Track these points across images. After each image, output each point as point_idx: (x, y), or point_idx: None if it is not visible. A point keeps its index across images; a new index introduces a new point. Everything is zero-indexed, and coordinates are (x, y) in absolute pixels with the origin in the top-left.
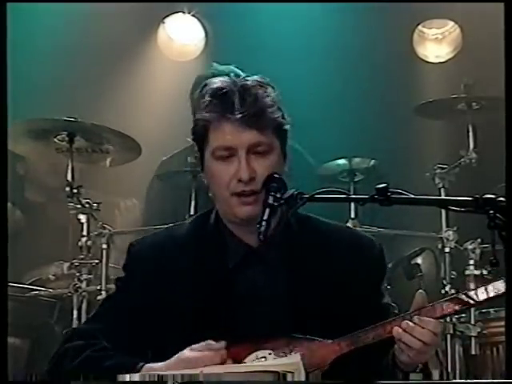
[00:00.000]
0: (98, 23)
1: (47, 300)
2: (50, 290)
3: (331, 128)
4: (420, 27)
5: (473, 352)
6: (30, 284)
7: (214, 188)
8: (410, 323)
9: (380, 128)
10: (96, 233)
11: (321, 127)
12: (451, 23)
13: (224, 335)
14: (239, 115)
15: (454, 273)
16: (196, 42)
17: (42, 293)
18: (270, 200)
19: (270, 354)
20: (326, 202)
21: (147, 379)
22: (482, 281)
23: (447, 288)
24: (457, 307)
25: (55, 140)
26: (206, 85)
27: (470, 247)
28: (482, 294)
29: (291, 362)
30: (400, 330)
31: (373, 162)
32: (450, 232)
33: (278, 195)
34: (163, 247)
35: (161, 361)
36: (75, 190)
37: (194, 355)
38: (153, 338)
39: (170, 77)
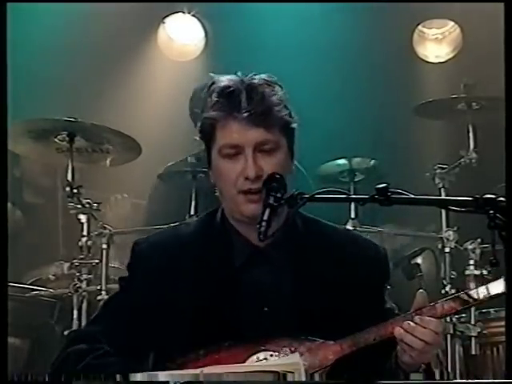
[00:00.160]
0: (98, 23)
1: (47, 300)
2: (50, 290)
3: (331, 128)
4: (420, 27)
5: (473, 352)
6: (30, 284)
7: (221, 186)
8: (412, 323)
9: (380, 128)
10: (96, 233)
11: (321, 127)
12: (451, 23)
13: (228, 334)
14: (246, 113)
15: (453, 273)
16: (196, 42)
17: (42, 293)
18: (270, 200)
19: (271, 355)
20: (326, 201)
21: (147, 379)
22: (482, 281)
23: (447, 288)
24: (458, 306)
25: (55, 140)
26: (213, 83)
27: (470, 247)
28: (482, 293)
29: (291, 362)
30: (401, 331)
31: (373, 161)
32: (450, 232)
33: (279, 195)
34: (168, 246)
35: (164, 362)
36: (75, 190)
37: None
38: (157, 339)
39: (170, 77)
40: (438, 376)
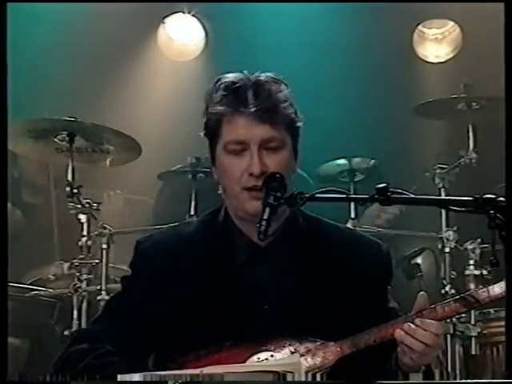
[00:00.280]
0: (98, 23)
1: (47, 300)
2: (50, 290)
3: (331, 128)
4: (420, 27)
5: (473, 352)
6: (30, 284)
7: (225, 182)
8: (412, 325)
9: (380, 128)
10: (96, 233)
11: (321, 127)
12: (451, 23)
13: (229, 334)
14: (253, 109)
15: (453, 273)
16: (196, 42)
17: (42, 293)
18: (270, 199)
19: (271, 355)
20: (326, 201)
21: (147, 379)
22: (482, 281)
23: (447, 288)
24: (459, 309)
25: (55, 140)
26: (219, 80)
27: (470, 247)
28: (483, 295)
29: (291, 362)
30: (402, 333)
31: (373, 161)
32: (450, 232)
33: (279, 194)
34: (171, 245)
35: (165, 362)
36: (75, 190)
37: None
38: (159, 338)
39: (170, 77)
40: (437, 376)
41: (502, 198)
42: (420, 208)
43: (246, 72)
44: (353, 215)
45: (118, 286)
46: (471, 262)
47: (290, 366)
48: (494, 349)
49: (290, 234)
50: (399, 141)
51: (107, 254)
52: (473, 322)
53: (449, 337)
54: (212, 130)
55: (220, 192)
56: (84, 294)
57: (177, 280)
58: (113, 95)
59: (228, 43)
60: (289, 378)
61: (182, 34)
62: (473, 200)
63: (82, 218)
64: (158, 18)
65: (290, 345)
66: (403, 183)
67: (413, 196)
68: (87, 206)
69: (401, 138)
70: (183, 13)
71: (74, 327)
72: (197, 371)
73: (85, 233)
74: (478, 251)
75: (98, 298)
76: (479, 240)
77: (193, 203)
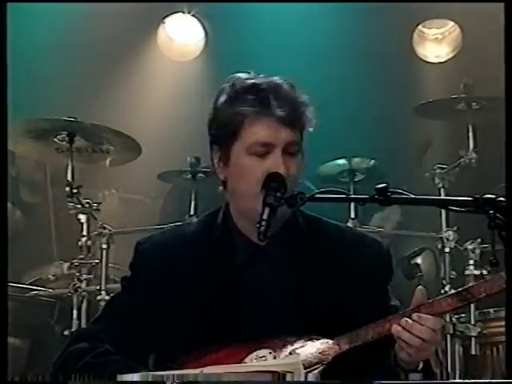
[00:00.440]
0: (98, 23)
1: (47, 300)
2: (50, 290)
3: (331, 128)
4: (420, 27)
5: (473, 352)
6: (29, 284)
7: (241, 184)
8: (409, 321)
9: (380, 128)
10: (96, 233)
11: (321, 127)
12: (451, 23)
13: (229, 334)
14: (281, 112)
15: (453, 273)
16: (196, 42)
17: (42, 293)
18: (270, 199)
19: (270, 352)
20: (326, 201)
21: (147, 379)
22: None
23: (447, 288)
24: (456, 304)
25: (55, 140)
26: (236, 80)
27: (470, 247)
28: (479, 290)
29: (291, 362)
30: (399, 328)
31: (373, 162)
32: (450, 232)
33: (278, 194)
34: (170, 246)
35: (165, 361)
36: (75, 190)
37: None
38: (158, 338)
39: (170, 77)
40: (437, 376)
41: (501, 198)
42: (420, 208)
43: (253, 73)
44: (353, 215)
45: (117, 286)
46: (471, 261)
47: (289, 366)
48: (494, 349)
49: (290, 233)
50: (399, 141)
51: (107, 253)
52: (473, 321)
53: (449, 337)
54: (230, 131)
55: (220, 192)
56: (84, 294)
57: (176, 280)
58: (113, 95)
59: (228, 43)
60: (289, 377)
61: (182, 34)
62: (473, 200)
63: (82, 217)
64: (157, 17)
65: (288, 342)
66: (403, 183)
67: (413, 196)
68: (87, 205)
69: (401, 138)
70: (183, 13)
71: (74, 327)
72: (197, 371)
73: (84, 233)
74: (477, 251)
75: (98, 297)
76: (479, 240)
77: (192, 203)
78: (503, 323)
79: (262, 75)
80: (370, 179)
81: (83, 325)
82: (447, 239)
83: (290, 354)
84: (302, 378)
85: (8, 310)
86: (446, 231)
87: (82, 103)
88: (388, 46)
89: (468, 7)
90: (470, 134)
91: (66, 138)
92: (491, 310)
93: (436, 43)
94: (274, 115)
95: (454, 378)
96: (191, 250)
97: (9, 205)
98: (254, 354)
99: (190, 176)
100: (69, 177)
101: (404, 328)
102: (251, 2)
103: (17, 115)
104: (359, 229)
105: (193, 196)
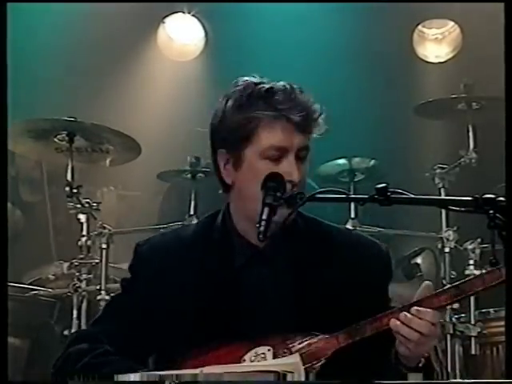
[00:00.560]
0: (98, 23)
1: (47, 300)
2: (50, 290)
3: (331, 128)
4: (420, 27)
5: (473, 352)
6: (29, 284)
7: (252, 187)
8: (408, 315)
9: (380, 128)
10: (96, 232)
11: None
12: (451, 23)
13: (229, 336)
14: (297, 118)
15: (453, 273)
16: (196, 42)
17: (42, 293)
18: (270, 199)
19: (269, 350)
20: (326, 201)
21: (147, 379)
22: None
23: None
24: (454, 297)
25: (55, 140)
26: (246, 85)
27: (470, 247)
28: (478, 283)
29: (291, 361)
30: (397, 322)
31: (373, 162)
32: (450, 232)
33: (278, 195)
34: (169, 248)
35: (165, 363)
36: (75, 190)
37: None
38: (158, 340)
39: (170, 77)
40: (437, 375)
41: (501, 198)
42: (420, 208)
43: (258, 77)
44: (353, 215)
45: (117, 286)
46: (471, 261)
47: (290, 366)
48: (494, 349)
49: (289, 234)
50: (399, 141)
51: (107, 253)
52: (473, 321)
53: (449, 337)
54: (242, 135)
55: (220, 192)
56: (84, 293)
57: (176, 282)
58: (112, 95)
59: (228, 43)
60: (289, 377)
61: (182, 33)
62: (473, 200)
63: (82, 217)
64: (157, 17)
65: (286, 339)
66: (403, 183)
67: (413, 196)
68: (87, 205)
69: (401, 138)
70: (183, 13)
71: (74, 327)
72: (197, 371)
73: (84, 232)
74: (477, 251)
75: (98, 297)
76: (479, 240)
77: (192, 203)
78: (503, 323)
79: (265, 79)
80: (370, 179)
81: (83, 325)
82: (447, 239)
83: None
84: (303, 378)
85: (8, 310)
86: (446, 231)
87: (81, 103)
88: (388, 46)
89: (468, 7)
90: (470, 133)
91: (66, 138)
92: (491, 310)
93: (436, 43)
94: (290, 120)
95: (454, 378)
96: (190, 251)
97: (9, 204)
98: (254, 351)
99: (189, 176)
100: (68, 177)
101: (403, 322)
102: (251, 1)
103: (17, 115)
104: (359, 229)
105: (192, 196)
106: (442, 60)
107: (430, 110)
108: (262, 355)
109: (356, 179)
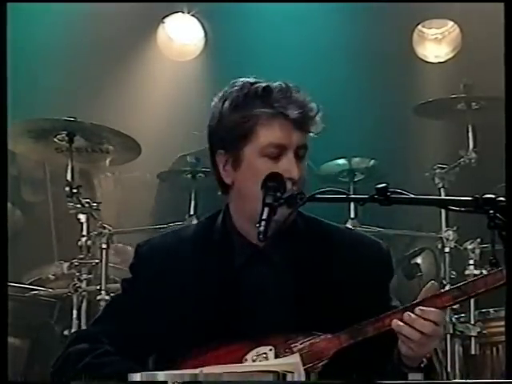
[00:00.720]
0: (98, 23)
1: (47, 300)
2: (50, 290)
3: (331, 128)
4: (420, 27)
5: (473, 352)
6: (29, 284)
7: (252, 186)
8: (412, 315)
9: (380, 128)
10: (96, 232)
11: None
12: (451, 23)
13: (229, 336)
14: (295, 115)
15: (453, 273)
16: (196, 42)
17: (42, 293)
18: (270, 199)
19: (270, 349)
20: (326, 202)
21: (147, 379)
22: None
23: (447, 288)
24: (456, 298)
25: (55, 140)
26: (243, 85)
27: (470, 247)
28: (480, 284)
29: (291, 361)
30: (399, 323)
31: (373, 161)
32: (450, 232)
33: (278, 194)
34: (170, 248)
35: (165, 363)
36: (75, 190)
37: None
38: (158, 340)
39: (170, 77)
40: (438, 375)
41: (501, 198)
42: (420, 208)
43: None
44: (353, 215)
45: (117, 286)
46: (471, 261)
47: (290, 366)
48: (494, 349)
49: (289, 234)
50: (399, 141)
51: (107, 253)
52: (472, 321)
53: (449, 337)
54: (240, 134)
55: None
56: (84, 293)
57: (176, 283)
58: (112, 95)
59: (228, 43)
60: (289, 378)
61: (182, 33)
62: (473, 200)
63: (82, 217)
64: (157, 17)
65: (287, 339)
66: (403, 183)
67: (413, 196)
68: (87, 205)
69: (400, 138)
70: (183, 13)
71: (74, 327)
72: (197, 371)
73: (84, 233)
74: (477, 251)
75: (98, 297)
76: (479, 240)
77: (192, 203)
78: (503, 323)
79: (262, 79)
80: (370, 179)
81: (83, 325)
82: (447, 239)
83: (290, 350)
84: (303, 378)
85: (8, 310)
86: (446, 231)
87: (81, 103)
88: (388, 46)
89: (468, 7)
90: (470, 134)
91: (66, 138)
92: (491, 310)
93: (436, 43)
94: (287, 117)
95: (454, 378)
96: (191, 252)
97: (9, 204)
98: (255, 351)
99: (189, 176)
100: (68, 177)
101: (406, 323)
102: (251, 2)
103: (17, 115)
104: (359, 229)
105: (192, 196)
106: (442, 60)
107: (430, 110)
108: (264, 355)
109: (356, 179)
